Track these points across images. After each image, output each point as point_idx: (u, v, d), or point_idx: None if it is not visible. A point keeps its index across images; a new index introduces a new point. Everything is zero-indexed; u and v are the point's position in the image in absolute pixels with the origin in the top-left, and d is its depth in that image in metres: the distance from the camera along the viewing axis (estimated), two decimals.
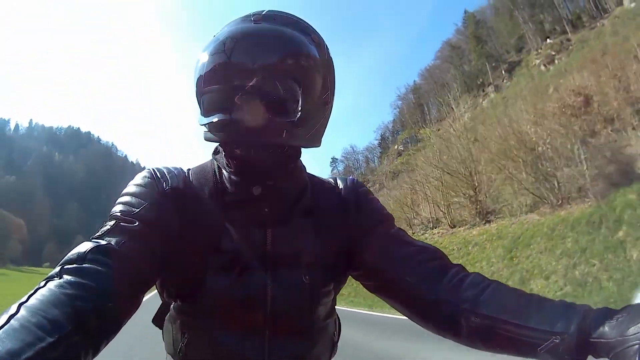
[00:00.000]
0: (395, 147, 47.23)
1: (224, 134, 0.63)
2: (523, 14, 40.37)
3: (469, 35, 43.56)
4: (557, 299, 0.55)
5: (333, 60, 0.70)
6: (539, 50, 36.91)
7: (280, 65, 0.60)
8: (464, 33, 45.74)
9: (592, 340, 0.48)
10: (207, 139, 0.66)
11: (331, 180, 0.77)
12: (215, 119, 0.60)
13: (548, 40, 36.68)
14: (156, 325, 0.72)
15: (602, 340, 0.47)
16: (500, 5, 42.68)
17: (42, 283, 0.49)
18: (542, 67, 33.02)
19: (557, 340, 0.49)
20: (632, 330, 0.44)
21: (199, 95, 0.64)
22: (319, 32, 0.68)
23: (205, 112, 0.63)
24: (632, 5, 26.61)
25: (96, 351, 0.48)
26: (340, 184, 0.75)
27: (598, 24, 32.89)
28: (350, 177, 0.78)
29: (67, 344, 0.43)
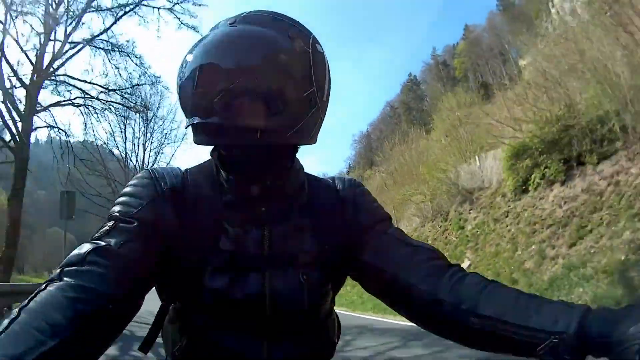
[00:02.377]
0: None
1: (206, 136, 0.63)
2: (446, 86, 49.33)
3: (400, 102, 54.70)
4: (557, 299, 0.55)
5: (326, 56, 0.68)
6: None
7: (251, 65, 0.60)
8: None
9: (591, 340, 0.47)
10: (196, 142, 0.66)
11: (329, 180, 0.77)
12: (194, 122, 0.61)
13: (457, 113, 44.52)
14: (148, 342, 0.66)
15: (602, 340, 0.46)
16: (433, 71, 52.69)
17: (43, 286, 0.49)
18: (442, 140, 40.08)
19: (557, 341, 0.49)
20: (632, 330, 0.44)
21: (181, 98, 0.64)
22: (306, 28, 0.66)
23: (188, 115, 0.63)
24: (517, 90, 27.09)
25: (97, 354, 0.49)
26: (339, 184, 0.75)
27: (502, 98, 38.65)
28: (349, 177, 0.78)
29: (68, 348, 0.44)
